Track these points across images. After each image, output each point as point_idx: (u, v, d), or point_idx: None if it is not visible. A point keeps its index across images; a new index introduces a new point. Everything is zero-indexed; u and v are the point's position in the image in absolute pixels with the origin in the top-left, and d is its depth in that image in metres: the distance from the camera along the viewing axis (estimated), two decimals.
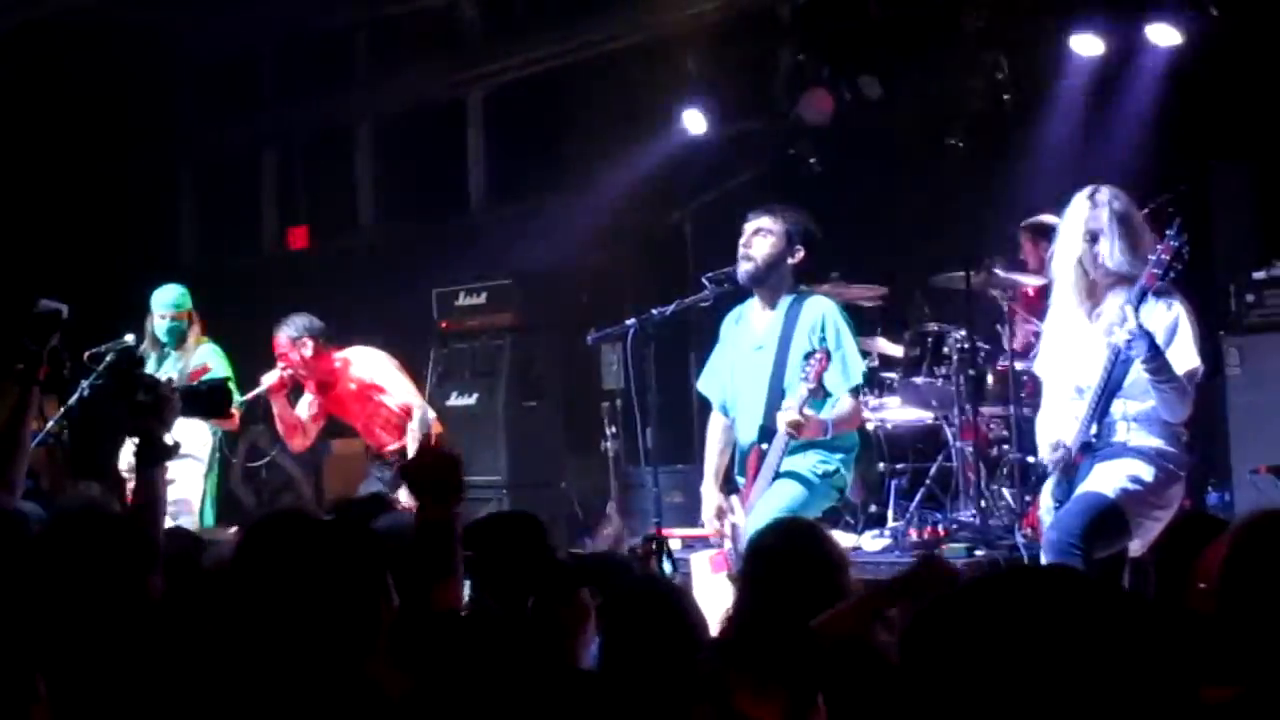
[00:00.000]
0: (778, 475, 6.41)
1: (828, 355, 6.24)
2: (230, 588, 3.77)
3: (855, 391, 6.55)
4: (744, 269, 6.69)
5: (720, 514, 6.71)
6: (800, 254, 6.65)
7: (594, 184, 11.51)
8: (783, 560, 4.18)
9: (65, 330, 5.37)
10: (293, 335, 8.63)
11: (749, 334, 6.78)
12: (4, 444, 5.00)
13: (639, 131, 11.53)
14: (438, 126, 13.21)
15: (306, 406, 8.83)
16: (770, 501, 6.36)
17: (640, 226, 11.60)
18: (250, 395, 8.70)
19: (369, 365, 8.80)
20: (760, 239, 6.62)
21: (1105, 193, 5.70)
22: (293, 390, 8.75)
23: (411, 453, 8.38)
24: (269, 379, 8.63)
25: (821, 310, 6.56)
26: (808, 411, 6.21)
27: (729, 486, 6.80)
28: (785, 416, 6.20)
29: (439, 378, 11.14)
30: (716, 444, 6.95)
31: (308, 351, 8.63)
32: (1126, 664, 1.67)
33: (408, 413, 8.66)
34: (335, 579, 3.41)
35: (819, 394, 6.25)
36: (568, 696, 3.72)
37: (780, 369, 6.51)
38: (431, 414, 8.78)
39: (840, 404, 6.46)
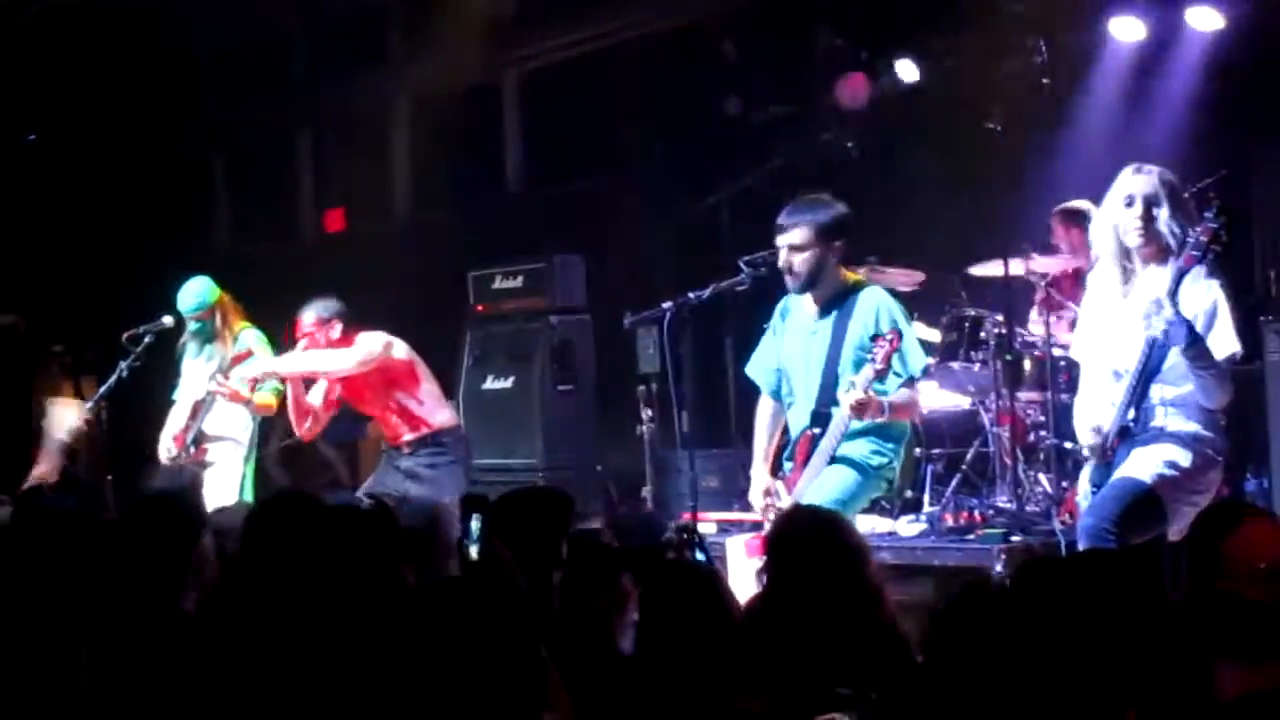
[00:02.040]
0: (833, 461, 6.38)
1: (899, 336, 6.20)
2: (238, 569, 3.81)
3: (911, 382, 6.47)
4: (791, 284, 6.63)
5: (767, 495, 6.63)
6: (838, 246, 6.57)
7: (630, 167, 11.49)
8: (802, 550, 4.16)
9: (103, 316, 5.46)
10: (323, 316, 8.54)
11: (803, 320, 6.71)
12: None
13: (675, 115, 11.51)
14: (474, 109, 13.20)
15: (320, 394, 8.72)
16: (821, 487, 6.33)
17: (676, 210, 11.59)
18: (267, 373, 8.62)
19: (366, 338, 8.62)
20: (797, 255, 6.52)
21: (1152, 166, 5.66)
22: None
23: (296, 358, 8.44)
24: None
25: (877, 301, 6.49)
26: (871, 392, 6.17)
27: (777, 470, 6.73)
28: (849, 396, 6.14)
29: (474, 360, 11.14)
30: (765, 427, 6.88)
31: (335, 333, 8.54)
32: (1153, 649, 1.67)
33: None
34: (342, 560, 3.44)
35: (884, 375, 6.21)
36: (604, 678, 3.73)
37: (835, 355, 6.46)
38: (355, 361, 8.48)
39: (899, 392, 6.38)
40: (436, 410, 8.74)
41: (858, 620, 3.52)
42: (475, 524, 4.05)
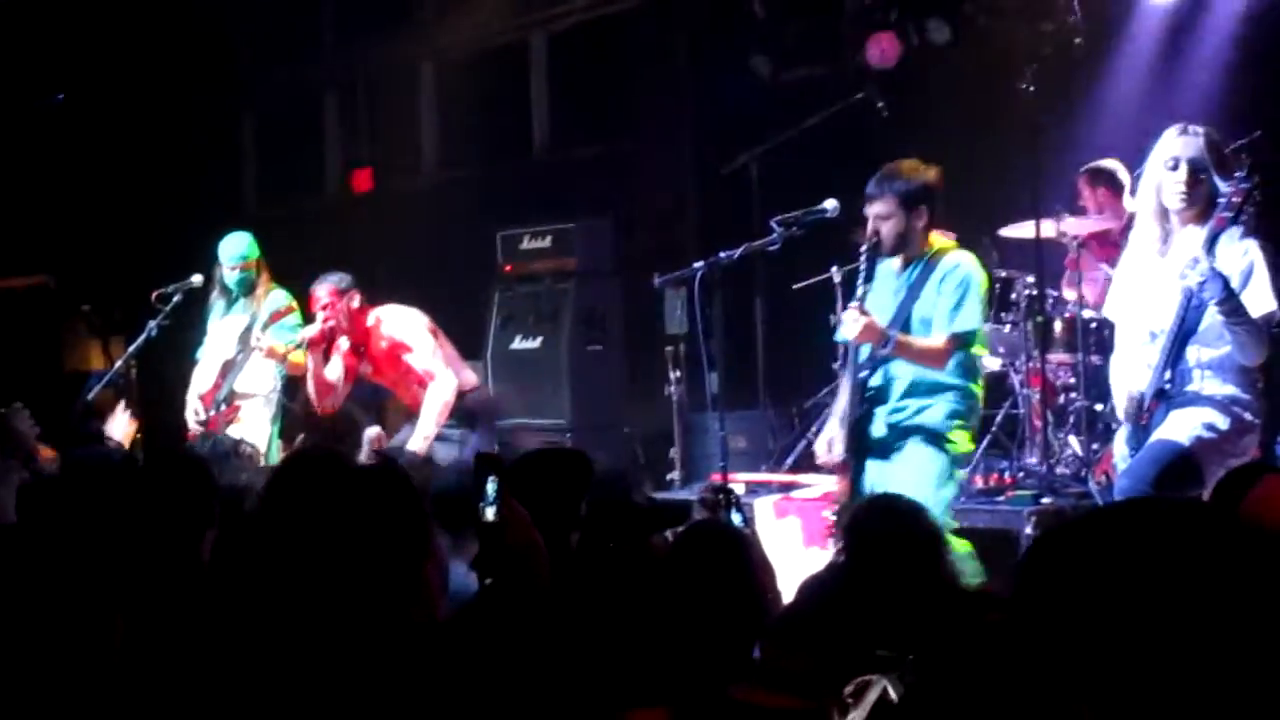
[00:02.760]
0: (918, 432, 6.36)
1: (872, 261, 6.34)
2: (259, 528, 3.80)
3: (954, 339, 6.37)
4: (880, 250, 6.57)
5: (830, 447, 6.61)
6: (924, 213, 6.51)
7: (659, 127, 11.46)
8: (881, 542, 4.13)
9: (132, 275, 5.47)
10: (340, 287, 8.53)
11: (887, 281, 6.65)
12: None
13: (705, 75, 11.46)
14: (501, 68, 13.18)
15: (337, 368, 8.69)
16: (912, 472, 6.27)
17: (705, 170, 11.55)
18: (290, 348, 8.63)
19: (399, 323, 8.67)
20: (883, 224, 6.50)
21: (1198, 128, 5.61)
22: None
23: (427, 424, 8.41)
24: (308, 332, 8.52)
25: (956, 260, 6.50)
26: (871, 315, 6.24)
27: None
28: (848, 315, 6.26)
29: (503, 321, 11.14)
30: (848, 383, 6.76)
31: (355, 304, 8.57)
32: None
33: (430, 377, 8.53)
34: (365, 520, 3.43)
35: (867, 293, 6.31)
36: (634, 636, 3.72)
37: (905, 317, 6.44)
38: (452, 387, 8.55)
39: (931, 339, 6.37)
40: (457, 373, 8.75)
41: (929, 610, 3.49)
42: (490, 485, 4.04)
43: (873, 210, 6.51)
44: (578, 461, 5.12)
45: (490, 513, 4.01)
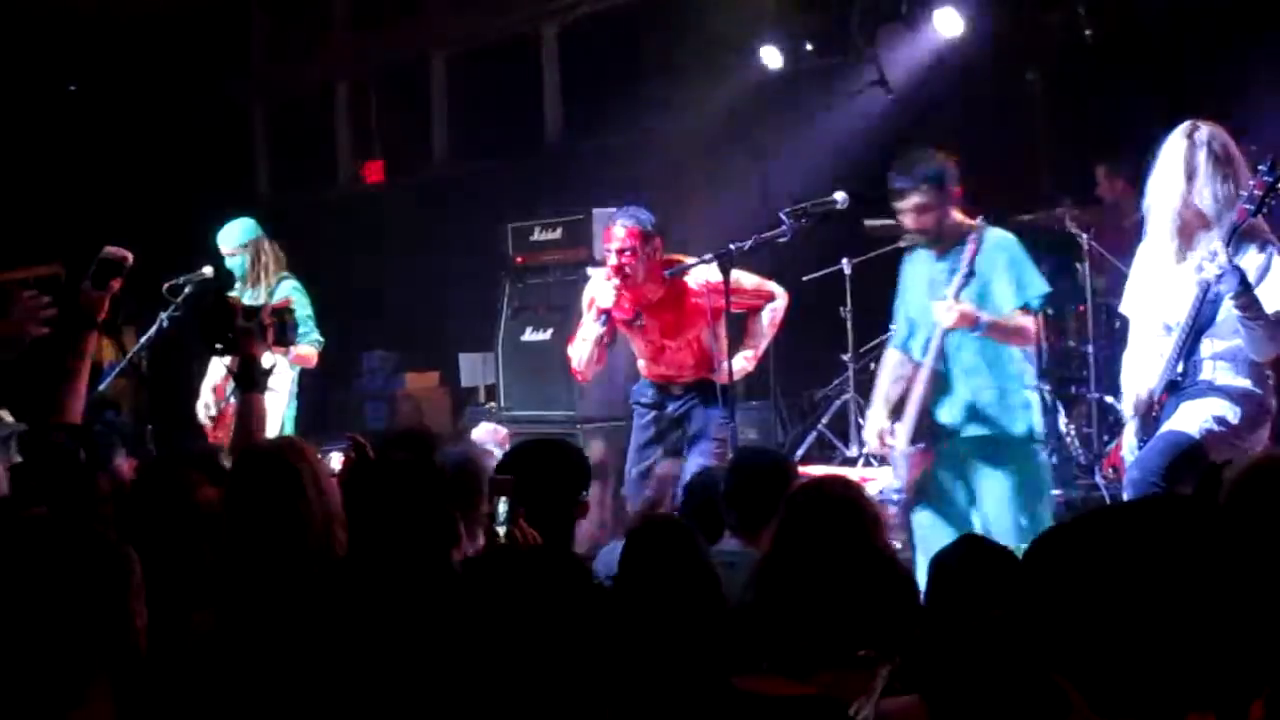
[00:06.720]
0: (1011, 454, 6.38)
1: (979, 243, 6.21)
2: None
3: (1025, 309, 6.38)
4: (919, 240, 6.56)
5: (881, 436, 6.56)
6: (954, 192, 6.47)
7: (670, 119, 11.45)
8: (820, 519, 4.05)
9: (139, 268, 5.44)
10: (646, 229, 7.19)
11: (925, 270, 6.62)
12: (59, 382, 5.10)
13: (716, 67, 11.46)
14: (513, 61, 13.19)
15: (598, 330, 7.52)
16: (1023, 495, 6.33)
17: (717, 162, 11.55)
18: (600, 330, 7.49)
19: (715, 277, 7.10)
20: (916, 216, 6.45)
21: (1204, 130, 5.57)
22: None
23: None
24: (607, 297, 7.37)
25: (997, 236, 6.43)
26: (962, 302, 6.17)
27: (895, 417, 6.58)
28: (940, 305, 6.20)
29: (513, 312, 11.14)
30: (889, 376, 6.74)
31: (658, 254, 7.26)
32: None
33: (720, 357, 7.18)
34: (405, 512, 3.53)
35: (968, 281, 6.19)
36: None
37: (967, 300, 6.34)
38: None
39: (1013, 317, 6.34)
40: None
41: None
42: (502, 506, 4.13)
43: (909, 203, 6.44)
44: (568, 453, 5.14)
45: (502, 533, 4.10)
